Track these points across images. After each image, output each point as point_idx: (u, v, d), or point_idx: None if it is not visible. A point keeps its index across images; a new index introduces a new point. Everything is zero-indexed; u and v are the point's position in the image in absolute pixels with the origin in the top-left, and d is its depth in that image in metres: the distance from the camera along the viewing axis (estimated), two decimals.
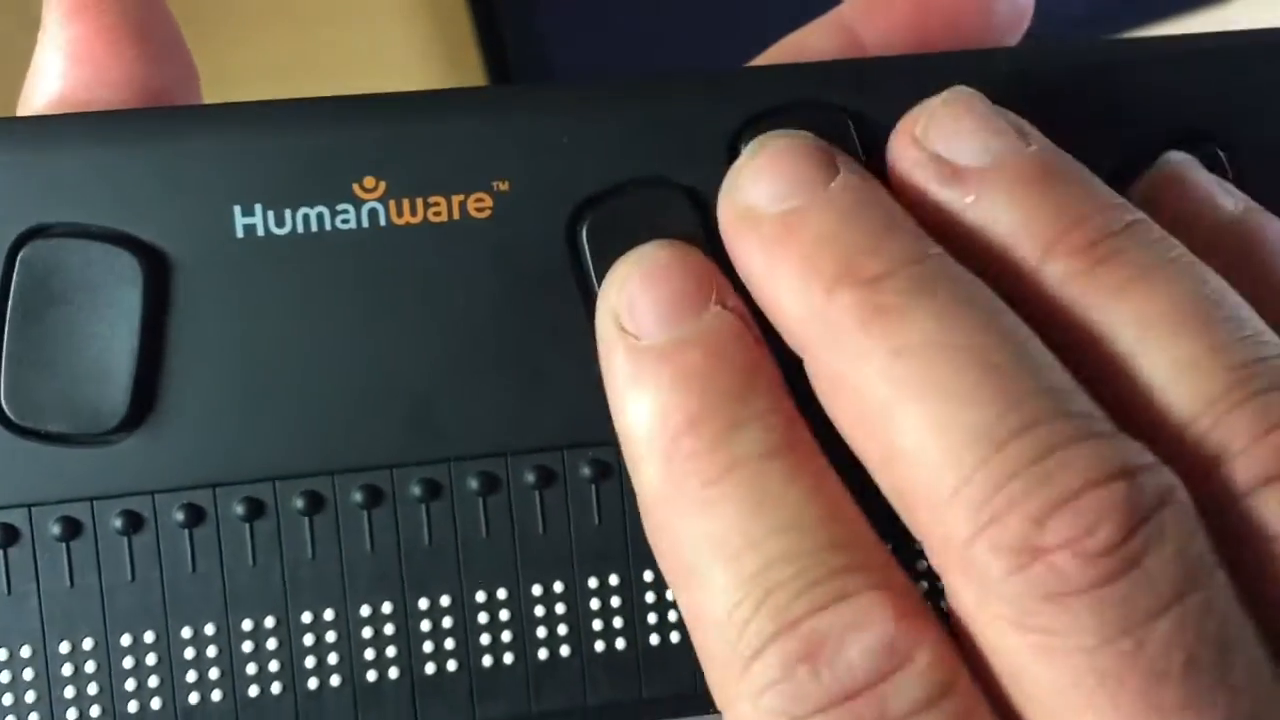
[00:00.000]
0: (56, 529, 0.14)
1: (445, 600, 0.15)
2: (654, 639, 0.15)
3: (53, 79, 0.16)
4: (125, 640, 0.14)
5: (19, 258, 0.14)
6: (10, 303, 0.14)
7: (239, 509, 0.14)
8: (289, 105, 0.14)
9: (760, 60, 0.18)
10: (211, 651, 0.14)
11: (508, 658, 0.15)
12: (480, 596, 0.15)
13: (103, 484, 0.14)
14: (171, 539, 0.14)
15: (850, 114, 0.15)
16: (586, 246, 0.15)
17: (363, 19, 0.41)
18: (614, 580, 0.15)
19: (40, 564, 0.14)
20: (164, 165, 0.14)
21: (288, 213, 0.14)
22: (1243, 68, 0.16)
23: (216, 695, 0.14)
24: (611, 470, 0.15)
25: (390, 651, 0.15)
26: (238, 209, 0.14)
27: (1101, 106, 0.16)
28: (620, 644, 0.15)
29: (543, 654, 0.15)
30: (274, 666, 0.14)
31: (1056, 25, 0.40)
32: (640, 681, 0.15)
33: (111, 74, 0.16)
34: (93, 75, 0.16)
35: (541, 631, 0.15)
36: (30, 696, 0.14)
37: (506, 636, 0.15)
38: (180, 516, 0.14)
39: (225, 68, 0.40)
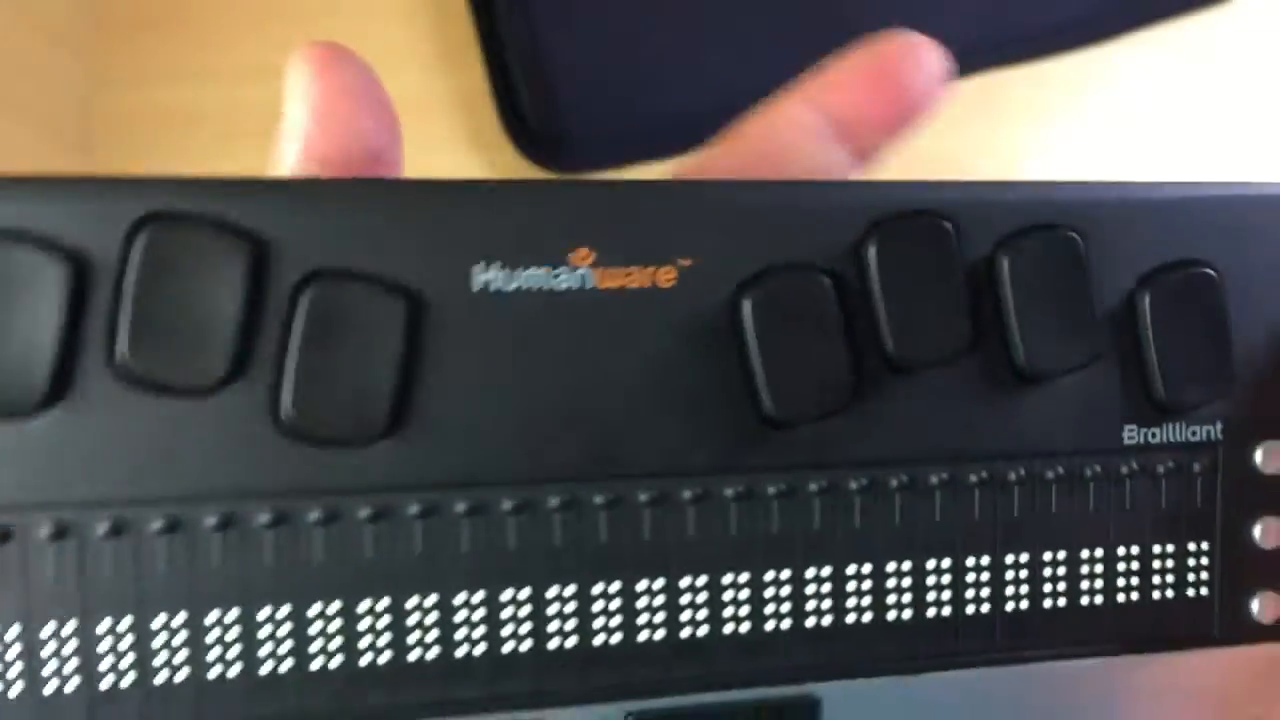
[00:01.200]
0: (317, 514, 0.17)
1: (615, 587, 0.18)
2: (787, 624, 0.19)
3: (298, 136, 0.18)
4: (375, 604, 0.18)
5: (304, 295, 0.17)
6: (297, 332, 0.17)
7: (460, 507, 0.18)
8: (525, 184, 0.18)
9: (739, 122, 0.22)
10: (430, 618, 0.18)
11: (659, 635, 0.19)
12: (641, 585, 0.19)
13: (358, 481, 0.18)
14: (406, 527, 0.18)
15: (952, 222, 0.19)
16: (747, 316, 0.18)
17: (363, 19, 0.41)
18: (744, 578, 0.19)
19: (300, 541, 0.17)
20: (423, 227, 0.18)
21: (516, 272, 0.18)
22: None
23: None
24: (754, 492, 0.19)
25: (570, 625, 0.18)
26: (477, 267, 0.18)
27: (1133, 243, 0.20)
28: (745, 629, 0.19)
29: (684, 633, 0.19)
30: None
31: (1058, 26, 0.40)
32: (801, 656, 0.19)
33: (350, 130, 0.18)
34: (337, 131, 0.18)
35: (686, 615, 0.19)
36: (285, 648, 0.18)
37: (660, 618, 0.19)
38: (415, 509, 0.18)
39: (225, 67, 0.40)
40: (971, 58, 0.40)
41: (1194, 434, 0.20)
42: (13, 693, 0.16)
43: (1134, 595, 0.20)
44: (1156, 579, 0.20)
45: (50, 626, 0.17)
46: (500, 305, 0.18)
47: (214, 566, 0.17)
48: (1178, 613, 0.20)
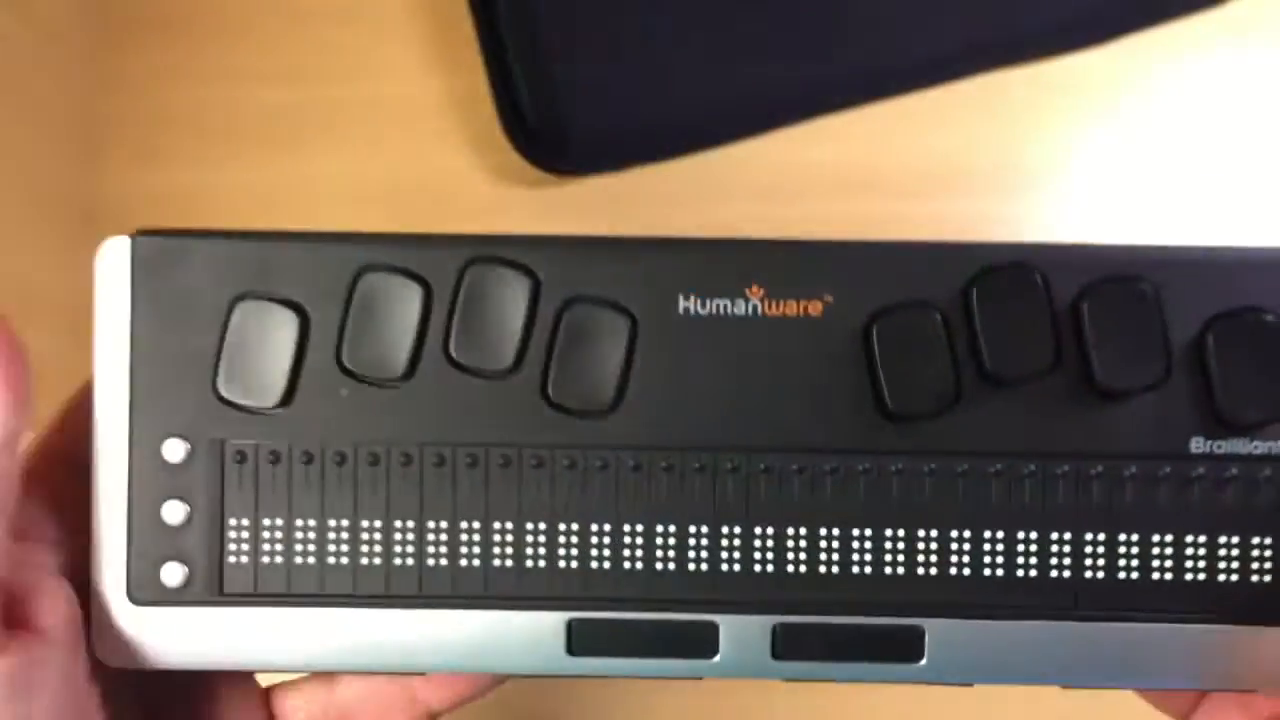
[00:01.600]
0: (565, 461, 0.25)
1: (770, 530, 0.25)
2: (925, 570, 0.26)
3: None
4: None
5: (563, 314, 0.25)
6: (559, 339, 0.25)
7: (662, 463, 0.25)
8: (716, 240, 0.25)
9: None
10: (639, 539, 0.25)
11: (803, 569, 0.25)
12: (790, 531, 0.25)
13: (593, 440, 0.25)
14: (624, 474, 0.25)
15: (1041, 272, 0.25)
16: (875, 343, 0.25)
17: (363, 19, 0.41)
18: (868, 532, 0.25)
19: (554, 481, 0.25)
20: (644, 269, 0.25)
21: (708, 301, 0.25)
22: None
23: (658, 566, 0.25)
24: (878, 469, 0.25)
25: (736, 555, 0.25)
26: (681, 295, 0.25)
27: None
28: (868, 570, 0.26)
29: (821, 569, 0.25)
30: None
31: (1059, 26, 0.40)
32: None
33: None
34: None
35: (823, 556, 0.25)
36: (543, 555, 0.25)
37: (804, 556, 0.25)
38: (631, 463, 0.25)
39: (227, 68, 0.40)
40: (971, 58, 0.40)
41: (1256, 448, 0.24)
42: (344, 560, 0.25)
43: (1200, 575, 0.24)
44: (1222, 564, 0.24)
45: (397, 522, 0.25)
46: (695, 325, 0.25)
47: (504, 491, 0.25)
48: (1242, 594, 0.24)
